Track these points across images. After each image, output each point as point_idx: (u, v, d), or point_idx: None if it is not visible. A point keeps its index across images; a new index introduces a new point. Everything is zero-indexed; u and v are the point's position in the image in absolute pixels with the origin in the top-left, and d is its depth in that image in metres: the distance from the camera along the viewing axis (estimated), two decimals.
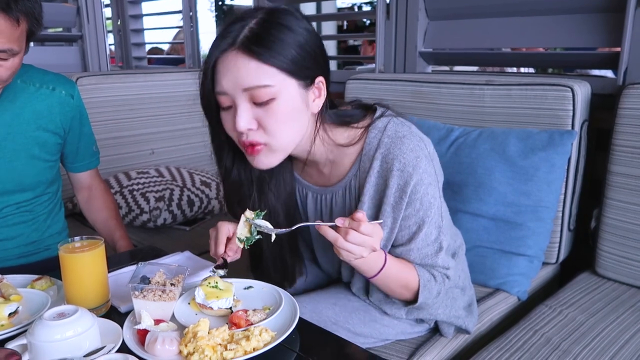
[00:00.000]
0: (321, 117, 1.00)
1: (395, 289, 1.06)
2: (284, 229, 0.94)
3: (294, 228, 0.93)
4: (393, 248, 1.06)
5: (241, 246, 0.98)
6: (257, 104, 0.90)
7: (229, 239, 1.02)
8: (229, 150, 1.03)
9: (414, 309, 1.09)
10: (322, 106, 0.98)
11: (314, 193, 1.12)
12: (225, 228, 1.01)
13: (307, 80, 0.93)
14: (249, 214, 0.96)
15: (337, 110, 1.04)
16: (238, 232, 0.96)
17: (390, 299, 1.11)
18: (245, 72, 0.88)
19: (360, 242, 0.87)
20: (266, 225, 0.95)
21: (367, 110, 1.06)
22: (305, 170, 1.11)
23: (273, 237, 0.96)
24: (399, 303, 1.12)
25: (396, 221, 1.01)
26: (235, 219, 1.04)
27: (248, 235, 0.96)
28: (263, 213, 0.96)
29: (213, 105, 0.95)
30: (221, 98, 0.92)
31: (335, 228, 0.90)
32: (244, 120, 0.90)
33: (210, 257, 1.07)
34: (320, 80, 0.96)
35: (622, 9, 1.50)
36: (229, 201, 1.13)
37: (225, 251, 1.01)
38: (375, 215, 1.02)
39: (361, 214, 0.88)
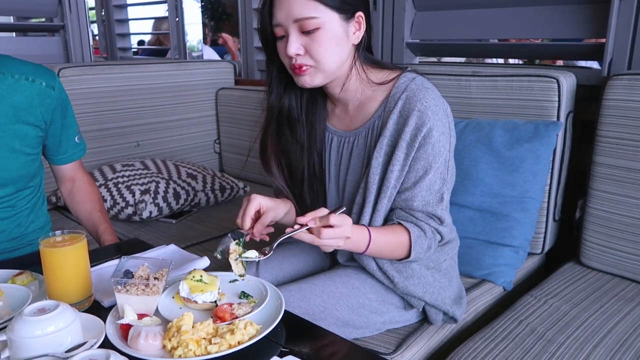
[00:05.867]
0: (359, 51, 1.12)
1: (387, 254, 1.13)
2: (262, 257, 0.99)
3: (274, 246, 0.99)
4: (399, 194, 1.11)
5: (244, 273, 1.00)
6: (305, 32, 1.05)
7: (259, 215, 1.09)
8: (281, 79, 1.17)
9: (407, 261, 1.13)
10: (361, 39, 1.11)
11: (339, 138, 1.22)
12: (256, 202, 1.09)
13: (348, 14, 1.07)
14: (233, 247, 0.98)
15: (374, 57, 1.18)
16: (235, 271, 0.99)
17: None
18: (295, 6, 1.03)
19: (334, 235, 0.96)
20: (253, 255, 0.99)
21: (401, 68, 1.18)
22: (334, 112, 1.23)
23: (257, 260, 1.02)
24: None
25: (407, 158, 1.08)
26: (269, 176, 1.23)
27: (243, 271, 0.99)
28: (244, 238, 1.01)
29: (269, 36, 1.11)
30: (276, 29, 1.08)
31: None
32: (294, 47, 1.05)
33: (195, 250, 1.06)
34: (359, 14, 1.09)
35: (608, 0, 1.50)
36: (270, 143, 1.22)
37: (252, 227, 1.07)
38: (391, 152, 1.10)
39: (325, 210, 0.97)
